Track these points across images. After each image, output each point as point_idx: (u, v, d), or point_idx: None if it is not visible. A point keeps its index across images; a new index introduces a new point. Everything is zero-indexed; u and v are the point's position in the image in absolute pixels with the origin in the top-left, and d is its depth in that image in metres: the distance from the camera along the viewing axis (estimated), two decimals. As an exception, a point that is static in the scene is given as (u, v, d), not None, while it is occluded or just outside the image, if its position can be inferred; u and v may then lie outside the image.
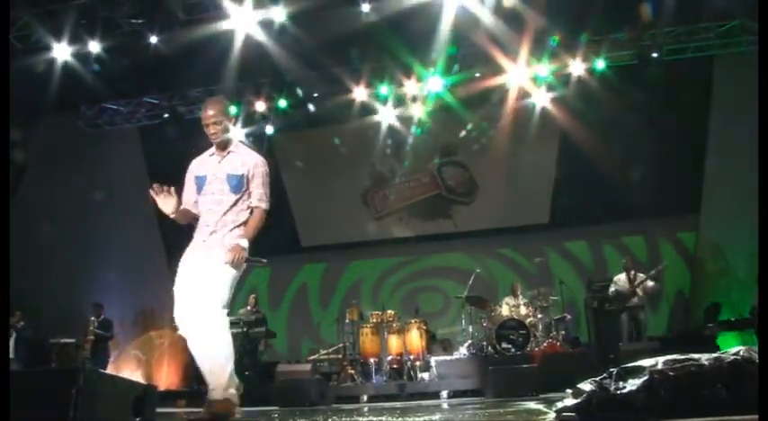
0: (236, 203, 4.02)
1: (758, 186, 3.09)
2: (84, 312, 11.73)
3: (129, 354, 13.55)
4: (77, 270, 13.09)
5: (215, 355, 3.83)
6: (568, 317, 10.74)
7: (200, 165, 4.14)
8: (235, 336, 10.33)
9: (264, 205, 4.05)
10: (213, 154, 4.12)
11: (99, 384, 2.81)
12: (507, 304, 10.34)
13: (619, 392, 2.58)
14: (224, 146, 4.06)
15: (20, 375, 2.99)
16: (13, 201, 13.06)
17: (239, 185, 4.00)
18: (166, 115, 13.16)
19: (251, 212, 4.07)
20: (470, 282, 10.65)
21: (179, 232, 14.40)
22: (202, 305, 3.85)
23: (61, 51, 10.79)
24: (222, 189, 4.01)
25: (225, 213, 3.98)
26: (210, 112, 4.01)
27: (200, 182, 4.07)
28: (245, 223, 4.05)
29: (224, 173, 4.01)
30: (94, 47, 10.67)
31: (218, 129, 4.01)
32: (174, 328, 13.43)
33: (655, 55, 11.33)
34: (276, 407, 7.84)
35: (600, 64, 11.69)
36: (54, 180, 13.18)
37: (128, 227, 13.58)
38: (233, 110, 3.97)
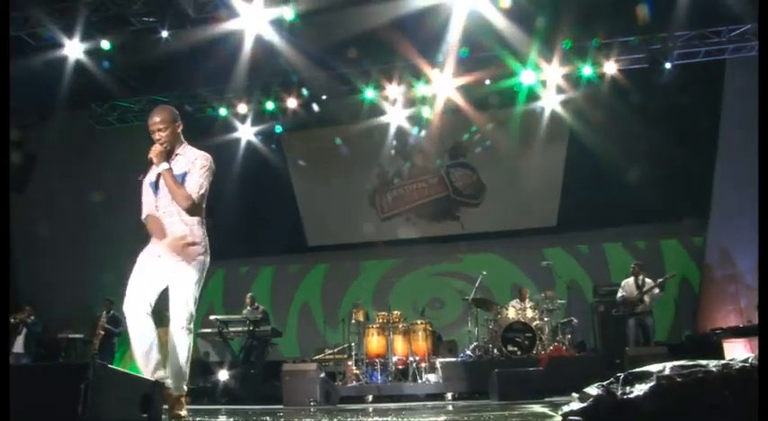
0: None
1: (758, 186, 3.09)
2: (92, 308, 11.79)
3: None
4: (86, 266, 13.14)
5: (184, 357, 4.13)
6: (575, 321, 10.71)
7: (152, 172, 4.29)
8: (241, 334, 10.44)
9: (194, 197, 4.14)
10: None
11: (108, 380, 2.82)
12: (514, 307, 10.33)
13: (625, 397, 2.57)
14: (171, 149, 4.22)
15: (29, 370, 3.01)
16: (24, 197, 13.18)
17: (183, 183, 4.15)
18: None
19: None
20: (477, 284, 10.65)
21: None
22: (177, 310, 4.17)
23: (73, 49, 10.84)
24: None
25: (178, 213, 4.15)
26: (156, 119, 4.21)
27: (154, 186, 4.25)
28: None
29: (175, 174, 4.18)
30: (106, 44, 10.73)
31: (162, 136, 4.18)
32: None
33: (665, 59, 11.29)
34: (281, 406, 7.85)
35: (610, 67, 11.64)
36: (65, 177, 13.26)
37: (135, 225, 13.60)
38: (179, 118, 4.20)
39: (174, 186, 4.07)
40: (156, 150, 4.15)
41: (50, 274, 12.68)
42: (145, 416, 3.04)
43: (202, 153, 4.31)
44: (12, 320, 11.20)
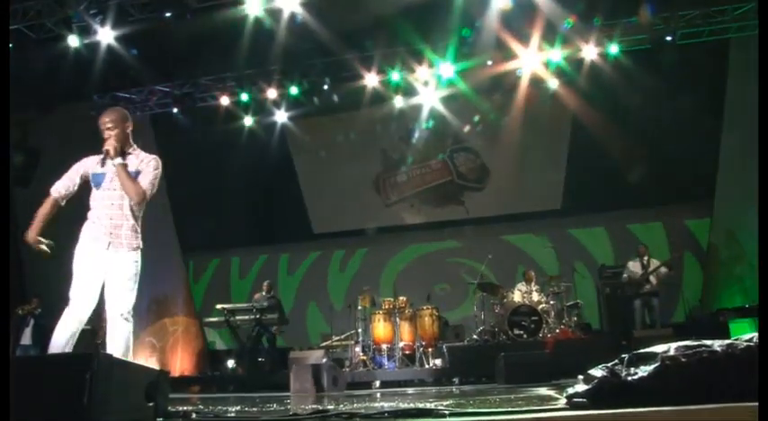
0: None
1: (758, 187, 3.06)
2: (98, 300, 11.83)
3: (144, 341, 13.67)
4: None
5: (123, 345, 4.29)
6: (581, 303, 10.72)
7: (96, 164, 4.50)
8: (247, 322, 10.48)
9: (147, 193, 4.39)
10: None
11: (113, 370, 2.83)
12: (519, 290, 10.33)
13: (630, 378, 2.57)
14: (120, 148, 4.40)
15: (35, 360, 3.02)
16: (28, 191, 13.21)
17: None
18: (178, 103, 13.20)
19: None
20: (483, 269, 10.64)
21: (192, 221, 14.54)
22: (118, 299, 4.36)
23: (74, 40, 10.81)
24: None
25: (122, 207, 4.37)
26: (107, 119, 4.45)
27: (99, 178, 4.45)
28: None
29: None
30: (106, 35, 10.70)
31: (111, 134, 4.39)
32: (188, 315, 13.52)
33: (669, 39, 11.19)
34: (288, 393, 7.88)
35: (613, 48, 11.54)
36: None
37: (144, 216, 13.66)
38: (129, 120, 4.38)
39: (129, 180, 4.28)
40: (112, 143, 4.34)
41: (56, 267, 12.70)
42: (151, 405, 3.05)
43: (153, 156, 4.52)
44: (19, 312, 11.28)
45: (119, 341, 4.26)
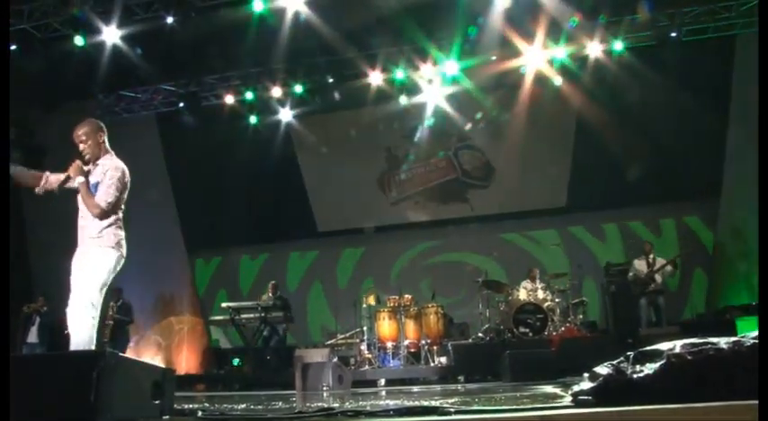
0: None
1: (758, 187, 3.05)
2: (104, 298, 11.87)
3: (150, 339, 13.72)
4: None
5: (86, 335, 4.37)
6: (586, 301, 10.71)
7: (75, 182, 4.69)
8: (253, 321, 10.51)
9: (102, 205, 4.53)
10: (88, 168, 4.71)
11: (118, 368, 2.84)
12: (525, 288, 10.31)
13: (635, 376, 2.56)
14: (94, 159, 4.68)
15: (41, 359, 3.04)
16: (32, 188, 13.25)
17: (95, 193, 4.60)
18: (182, 104, 13.24)
19: None
20: (487, 266, 10.64)
21: (198, 220, 14.53)
22: (80, 289, 4.58)
23: (79, 40, 10.84)
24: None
25: (92, 218, 4.58)
26: (80, 132, 4.70)
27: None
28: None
29: (91, 183, 4.63)
30: (111, 34, 10.73)
31: (85, 147, 4.67)
32: (194, 314, 13.57)
33: (674, 35, 11.14)
34: (294, 391, 7.90)
35: (618, 45, 11.52)
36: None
37: (146, 213, 13.69)
38: (103, 130, 4.51)
39: (86, 197, 4.52)
40: (74, 167, 4.60)
41: (62, 265, 12.75)
42: (157, 402, 3.06)
43: (116, 164, 4.66)
44: (25, 310, 11.33)
45: (80, 333, 4.36)
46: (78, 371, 2.75)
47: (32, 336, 11.31)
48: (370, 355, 10.15)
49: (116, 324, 11.34)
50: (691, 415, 2.22)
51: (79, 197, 4.62)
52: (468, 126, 13.79)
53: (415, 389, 8.04)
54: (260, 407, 4.20)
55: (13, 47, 10.81)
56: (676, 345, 2.60)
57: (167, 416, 3.08)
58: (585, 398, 2.64)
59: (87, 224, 4.59)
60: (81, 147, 4.68)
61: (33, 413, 2.67)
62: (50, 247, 12.38)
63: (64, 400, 2.68)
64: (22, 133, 12.79)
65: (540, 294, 10.17)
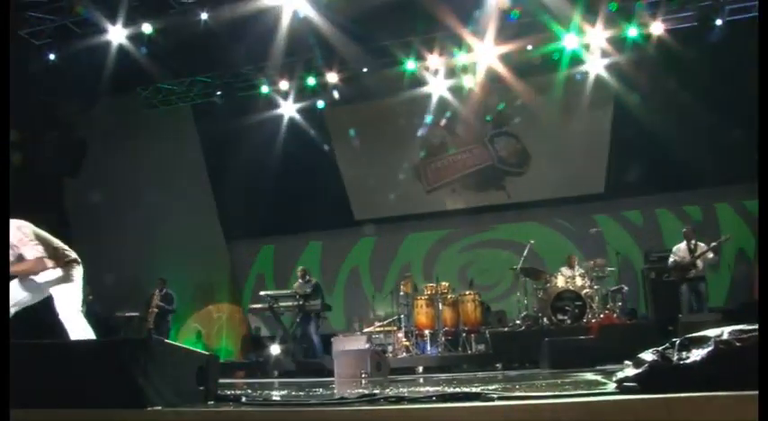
0: None
1: (758, 187, 2.98)
2: (146, 287, 12.12)
3: (190, 327, 13.95)
4: (139, 245, 13.49)
5: None
6: (625, 288, 10.57)
7: None
8: (291, 309, 10.60)
9: (36, 264, 4.81)
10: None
11: (165, 354, 2.90)
12: (563, 275, 10.21)
13: (682, 362, 2.52)
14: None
15: (93, 345, 3.11)
16: (77, 181, 13.55)
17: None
18: (219, 93, 13.36)
19: None
20: (525, 254, 10.56)
21: (235, 209, 14.66)
22: None
23: (116, 34, 11.01)
24: None
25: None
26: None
27: None
28: None
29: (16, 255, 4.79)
30: (147, 28, 10.87)
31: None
32: (232, 302, 13.70)
33: (716, 16, 10.84)
34: (332, 379, 7.97)
35: (657, 28, 11.26)
36: (115, 159, 13.57)
37: (185, 204, 13.91)
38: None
39: (24, 268, 4.75)
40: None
41: (106, 255, 13.04)
42: (201, 388, 3.11)
43: (15, 226, 4.73)
44: None
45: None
46: (127, 358, 2.81)
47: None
48: (407, 343, 10.17)
49: (159, 312, 11.58)
50: (739, 402, 2.18)
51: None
52: (504, 112, 13.67)
53: (454, 376, 8.05)
54: (301, 393, 4.24)
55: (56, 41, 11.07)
56: (724, 332, 2.55)
57: (212, 402, 3.13)
58: (631, 384, 2.61)
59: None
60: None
61: (83, 398, 2.74)
62: (92, 238, 12.70)
63: (113, 386, 2.74)
64: (64, 127, 13.07)
65: (579, 281, 10.07)
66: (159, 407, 2.68)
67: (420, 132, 14.05)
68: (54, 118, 13.24)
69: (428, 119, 13.94)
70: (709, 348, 2.50)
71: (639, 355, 2.70)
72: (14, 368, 2.93)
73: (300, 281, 11.46)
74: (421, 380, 6.77)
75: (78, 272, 5.08)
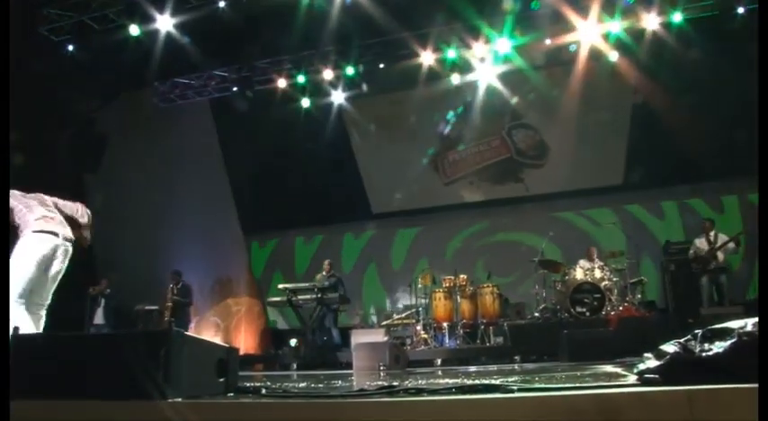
0: None
1: (758, 187, 2.93)
2: (163, 281, 12.22)
3: (209, 321, 14.06)
4: (157, 240, 13.59)
5: None
6: (645, 280, 10.50)
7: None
8: (309, 302, 10.64)
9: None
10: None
11: (185, 346, 2.91)
12: (581, 267, 10.17)
13: (704, 354, 2.49)
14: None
15: (112, 337, 3.14)
16: (97, 176, 13.67)
17: None
18: (235, 89, 13.41)
19: None
20: (543, 246, 10.52)
21: (253, 203, 14.71)
22: None
23: (134, 29, 11.08)
24: None
25: None
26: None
27: None
28: None
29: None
30: (165, 23, 10.92)
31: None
32: (251, 295, 13.76)
33: (737, 4, 10.67)
34: (351, 371, 7.99)
35: (677, 17, 11.12)
36: (134, 154, 13.67)
37: (202, 198, 13.98)
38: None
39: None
40: None
41: (125, 249, 13.17)
42: (221, 380, 3.13)
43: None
44: (91, 292, 11.78)
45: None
46: (147, 350, 2.82)
47: (99, 318, 11.77)
48: (425, 335, 10.19)
49: (176, 305, 11.66)
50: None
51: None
52: (522, 104, 13.59)
53: (473, 368, 8.04)
54: (320, 385, 4.26)
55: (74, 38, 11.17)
56: (747, 324, 2.51)
57: (232, 394, 3.15)
58: (652, 376, 2.59)
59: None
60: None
61: (104, 390, 2.76)
62: (111, 232, 12.82)
63: (134, 378, 2.76)
64: (83, 125, 13.18)
65: (598, 273, 10.02)
66: (180, 399, 2.70)
67: (440, 128, 14.01)
68: (73, 114, 13.36)
69: (450, 115, 13.91)
70: (733, 340, 2.47)
71: (661, 347, 2.67)
72: (34, 359, 2.98)
73: (324, 273, 11.52)
74: (439, 373, 6.77)
75: (43, 245, 4.67)
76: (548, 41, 11.86)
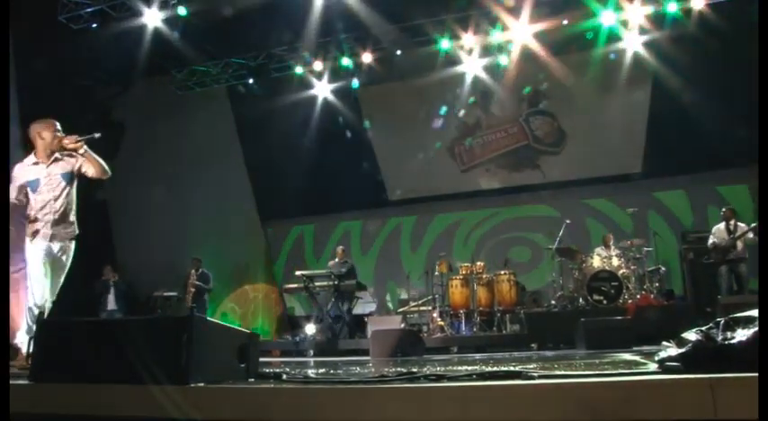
0: (68, 194, 5.12)
1: (758, 187, 2.89)
2: (183, 268, 12.31)
3: (227, 307, 14.16)
4: (175, 226, 13.68)
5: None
6: (663, 269, 10.43)
7: (27, 172, 5.02)
8: (326, 289, 10.68)
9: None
10: (37, 162, 5.06)
11: (207, 332, 2.94)
12: (599, 255, 10.12)
13: (726, 342, 2.48)
14: (50, 154, 5.05)
15: (135, 323, 3.17)
16: (114, 163, 13.75)
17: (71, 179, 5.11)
18: (251, 77, 13.42)
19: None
20: (560, 234, 10.47)
21: (270, 190, 14.73)
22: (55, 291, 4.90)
23: (152, 17, 11.12)
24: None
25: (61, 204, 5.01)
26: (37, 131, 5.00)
27: (33, 184, 5.00)
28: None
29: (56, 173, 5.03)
30: (182, 11, 10.96)
31: (38, 144, 5.00)
32: (268, 282, 13.80)
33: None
34: (368, 358, 8.02)
35: (697, 2, 10.97)
36: (151, 141, 13.74)
37: (220, 185, 14.04)
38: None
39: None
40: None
41: (142, 236, 13.28)
42: (243, 365, 3.16)
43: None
44: (104, 277, 11.98)
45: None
46: (170, 335, 2.86)
47: (111, 304, 11.94)
48: (442, 323, 10.19)
49: (197, 291, 11.77)
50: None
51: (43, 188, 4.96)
52: (540, 91, 13.49)
53: (489, 356, 8.04)
54: (339, 371, 4.28)
55: (93, 26, 11.22)
56: (770, 312, 2.50)
57: (253, 379, 3.18)
58: (673, 364, 2.58)
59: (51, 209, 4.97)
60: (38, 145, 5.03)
61: (126, 375, 2.80)
62: (128, 219, 12.95)
63: (156, 363, 2.79)
64: (101, 112, 13.26)
65: (615, 261, 9.97)
66: (202, 384, 2.73)
67: (457, 115, 13.95)
68: (91, 102, 13.44)
69: (468, 101, 13.83)
70: (755, 329, 2.46)
71: (682, 335, 2.66)
72: (57, 344, 3.02)
73: (337, 260, 11.55)
74: (456, 360, 6.78)
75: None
76: (567, 26, 11.73)
